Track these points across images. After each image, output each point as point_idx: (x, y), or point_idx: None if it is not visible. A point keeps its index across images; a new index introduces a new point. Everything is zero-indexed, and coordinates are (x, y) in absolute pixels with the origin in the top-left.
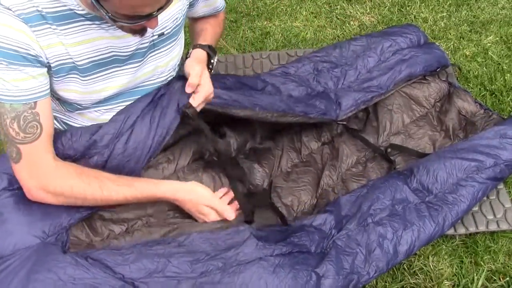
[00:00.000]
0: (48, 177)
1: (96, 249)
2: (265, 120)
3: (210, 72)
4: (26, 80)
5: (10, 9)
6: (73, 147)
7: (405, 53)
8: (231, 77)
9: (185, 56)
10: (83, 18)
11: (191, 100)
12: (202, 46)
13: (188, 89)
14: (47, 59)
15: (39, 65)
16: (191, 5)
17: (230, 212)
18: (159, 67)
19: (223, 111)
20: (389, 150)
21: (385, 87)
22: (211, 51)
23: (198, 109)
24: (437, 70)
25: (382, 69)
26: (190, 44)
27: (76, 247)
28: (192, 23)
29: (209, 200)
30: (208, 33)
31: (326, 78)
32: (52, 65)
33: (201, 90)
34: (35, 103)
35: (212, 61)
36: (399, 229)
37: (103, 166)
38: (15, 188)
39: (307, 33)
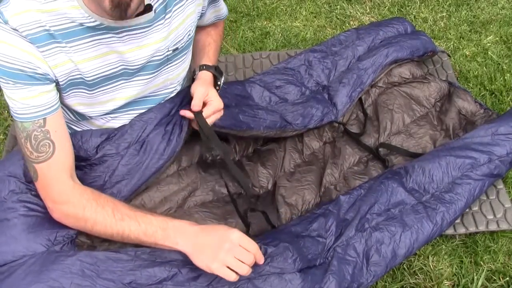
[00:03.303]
0: (62, 195)
1: (104, 251)
2: (268, 136)
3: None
4: (35, 97)
5: (17, 30)
6: (83, 148)
7: (392, 39)
8: (229, 93)
9: (192, 76)
10: (94, 33)
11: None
12: (208, 68)
13: (194, 107)
14: (55, 77)
15: (48, 82)
16: (201, 16)
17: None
18: (169, 79)
19: (234, 133)
20: (380, 149)
21: (372, 72)
22: (217, 72)
23: (210, 123)
24: (424, 55)
25: (370, 54)
26: (193, 58)
27: (78, 248)
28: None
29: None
30: (212, 49)
31: (318, 70)
32: (60, 82)
33: (211, 104)
34: (44, 120)
35: (218, 82)
36: (396, 232)
37: (114, 169)
38: (23, 192)
39: (307, 33)
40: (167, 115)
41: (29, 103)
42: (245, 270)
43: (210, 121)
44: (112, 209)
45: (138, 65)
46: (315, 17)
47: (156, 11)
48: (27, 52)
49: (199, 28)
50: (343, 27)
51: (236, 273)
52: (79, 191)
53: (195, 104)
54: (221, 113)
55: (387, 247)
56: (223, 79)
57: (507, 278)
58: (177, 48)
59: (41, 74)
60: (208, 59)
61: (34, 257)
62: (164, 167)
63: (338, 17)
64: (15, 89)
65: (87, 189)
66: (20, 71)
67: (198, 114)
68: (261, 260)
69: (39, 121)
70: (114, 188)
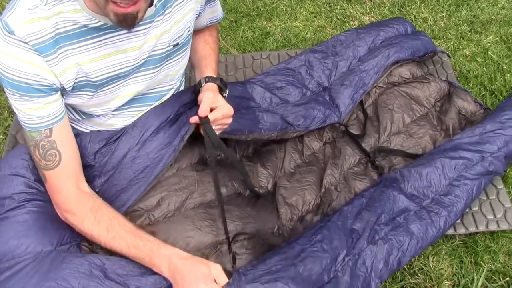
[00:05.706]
0: (66, 204)
1: (112, 256)
2: (269, 139)
3: None
4: (41, 109)
5: (25, 42)
6: (81, 153)
7: (393, 40)
8: (230, 95)
9: (199, 86)
10: (98, 33)
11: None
12: (214, 80)
13: (201, 113)
14: (61, 84)
15: (54, 92)
16: (198, 15)
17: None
18: (169, 75)
19: (236, 137)
20: (376, 155)
21: (374, 74)
22: (222, 84)
23: (218, 130)
24: (425, 56)
25: (371, 56)
26: (194, 69)
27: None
28: (192, 40)
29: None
30: (213, 60)
31: (319, 71)
32: (66, 87)
33: (220, 108)
34: (50, 131)
35: (224, 94)
36: (404, 242)
37: (116, 178)
38: (32, 187)
39: (307, 33)
40: (164, 120)
41: (35, 114)
42: None
43: (218, 127)
44: (107, 226)
45: (140, 61)
46: (315, 17)
47: (156, 6)
48: (33, 64)
49: (196, 34)
50: (343, 27)
51: None
52: (82, 201)
53: (203, 110)
54: (230, 119)
55: (395, 257)
56: (227, 91)
57: (507, 278)
58: (177, 44)
59: (46, 86)
60: (212, 70)
61: (41, 255)
62: (163, 171)
63: (338, 17)
64: (21, 101)
65: (89, 199)
66: (26, 84)
67: (205, 120)
68: None
69: (45, 131)
70: (117, 200)
